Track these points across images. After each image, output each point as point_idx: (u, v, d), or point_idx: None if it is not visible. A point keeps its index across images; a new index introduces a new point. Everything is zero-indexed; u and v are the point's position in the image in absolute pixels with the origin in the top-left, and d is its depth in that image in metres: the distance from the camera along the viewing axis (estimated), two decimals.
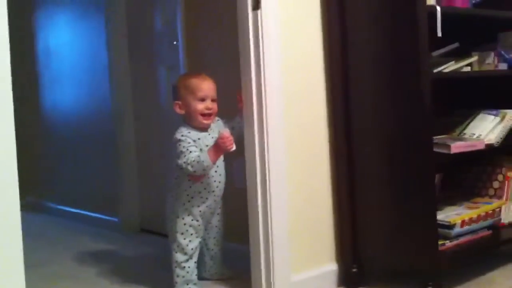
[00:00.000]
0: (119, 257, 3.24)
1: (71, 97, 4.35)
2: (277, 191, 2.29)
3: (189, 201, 2.42)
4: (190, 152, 2.29)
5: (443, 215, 2.43)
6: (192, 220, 2.43)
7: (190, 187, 2.40)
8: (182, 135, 2.34)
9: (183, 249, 2.42)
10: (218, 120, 2.51)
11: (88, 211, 4.18)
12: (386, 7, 2.30)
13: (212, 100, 2.40)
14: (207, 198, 2.43)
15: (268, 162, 2.27)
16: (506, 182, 2.68)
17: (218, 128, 2.46)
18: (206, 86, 2.39)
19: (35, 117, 4.77)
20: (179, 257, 2.42)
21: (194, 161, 2.28)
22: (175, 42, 3.31)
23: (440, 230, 2.33)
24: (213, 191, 2.45)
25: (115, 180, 3.89)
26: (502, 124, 2.58)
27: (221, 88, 2.49)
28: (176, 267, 2.43)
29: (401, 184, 2.31)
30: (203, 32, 3.09)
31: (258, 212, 2.31)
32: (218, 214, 2.57)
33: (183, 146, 2.31)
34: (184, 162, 2.29)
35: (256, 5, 2.24)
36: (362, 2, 2.39)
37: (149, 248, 3.35)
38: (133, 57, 3.80)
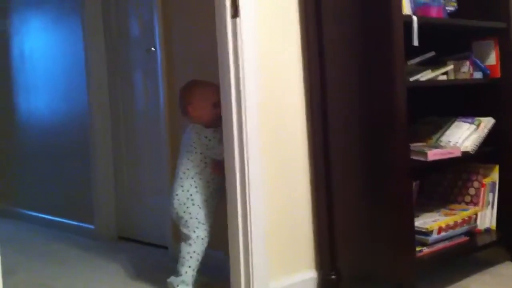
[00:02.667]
0: (95, 265, 3.21)
1: (46, 102, 4.31)
2: (256, 199, 2.30)
3: (210, 193, 2.55)
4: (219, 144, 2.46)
5: (420, 222, 2.45)
6: (209, 211, 2.54)
7: (213, 179, 2.54)
8: (212, 133, 2.50)
9: (202, 239, 2.50)
10: None
11: (64, 218, 4.13)
12: (363, 17, 2.32)
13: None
14: (219, 189, 2.52)
15: (248, 171, 2.27)
16: (482, 189, 2.71)
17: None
18: (218, 92, 2.42)
19: (9, 123, 4.72)
20: (197, 247, 2.49)
21: (220, 147, 2.43)
22: (152, 48, 3.30)
23: (417, 236, 2.36)
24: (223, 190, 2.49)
25: (91, 186, 3.85)
26: (478, 132, 2.62)
27: None
28: (191, 257, 2.49)
29: (379, 192, 2.33)
30: (181, 38, 3.08)
31: (237, 220, 2.31)
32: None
33: (218, 139, 2.46)
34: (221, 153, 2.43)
35: (235, 13, 2.25)
36: (339, 11, 2.41)
37: (126, 256, 3.33)
38: (110, 63, 3.77)
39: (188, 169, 2.54)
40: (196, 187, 2.53)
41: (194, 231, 2.50)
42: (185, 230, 2.52)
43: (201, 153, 2.53)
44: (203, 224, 2.51)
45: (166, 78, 3.17)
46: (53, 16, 4.16)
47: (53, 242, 3.79)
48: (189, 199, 2.52)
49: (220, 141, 2.43)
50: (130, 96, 3.64)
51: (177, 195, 2.54)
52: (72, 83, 3.98)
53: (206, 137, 2.50)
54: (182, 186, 2.54)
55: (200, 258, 2.50)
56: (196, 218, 2.51)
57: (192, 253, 2.48)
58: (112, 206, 3.83)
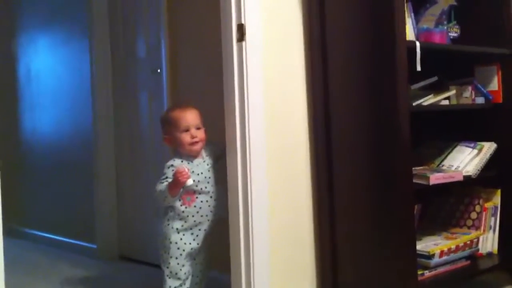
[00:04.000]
0: (96, 285, 3.21)
1: (51, 122, 4.33)
2: (259, 220, 2.32)
3: (182, 225, 2.41)
4: (161, 183, 2.35)
5: (422, 245, 2.46)
6: (185, 243, 2.40)
7: (183, 211, 2.39)
8: (169, 165, 2.39)
9: (176, 274, 2.40)
10: (209, 144, 2.51)
11: (66, 237, 4.14)
12: (367, 43, 2.35)
13: (197, 128, 2.42)
14: (200, 222, 2.42)
15: (251, 192, 2.30)
16: (484, 213, 2.72)
17: (212, 154, 2.50)
18: (187, 116, 2.42)
19: (14, 142, 4.74)
20: (171, 282, 2.40)
21: (158, 190, 2.34)
22: (158, 70, 3.34)
23: (419, 260, 2.36)
24: (207, 215, 2.43)
25: (93, 206, 3.85)
26: (480, 156, 2.63)
27: (204, 117, 2.51)
28: None
29: (381, 214, 2.34)
30: (187, 61, 3.12)
31: (240, 240, 2.33)
32: (208, 239, 2.50)
33: (162, 176, 2.37)
34: (155, 190, 2.36)
35: (241, 37, 2.28)
36: (344, 38, 2.44)
37: (127, 276, 3.33)
38: (116, 83, 3.80)
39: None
40: (168, 219, 2.42)
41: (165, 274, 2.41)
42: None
43: None
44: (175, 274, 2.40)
45: (171, 99, 3.20)
46: (61, 36, 4.20)
47: (56, 262, 3.78)
48: (164, 233, 2.42)
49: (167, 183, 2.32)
50: (135, 116, 3.67)
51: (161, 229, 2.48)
52: (77, 103, 4.01)
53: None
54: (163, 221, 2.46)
55: None
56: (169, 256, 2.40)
57: None
58: (115, 225, 3.83)
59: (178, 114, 2.44)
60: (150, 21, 3.46)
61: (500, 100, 2.77)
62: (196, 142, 2.40)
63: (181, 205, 2.39)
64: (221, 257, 2.52)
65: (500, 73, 2.78)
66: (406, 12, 2.37)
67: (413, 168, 2.35)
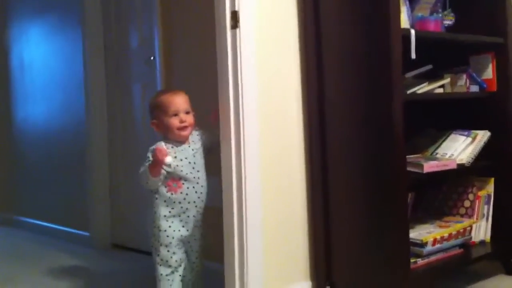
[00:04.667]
0: (90, 273, 3.21)
1: (44, 112, 4.32)
2: (252, 210, 2.31)
3: (169, 212, 2.38)
4: (144, 165, 2.35)
5: (415, 233, 2.46)
6: (174, 231, 2.38)
7: (170, 197, 2.37)
8: (152, 149, 2.35)
9: (167, 261, 2.38)
10: (198, 130, 2.49)
11: (59, 225, 4.14)
12: (361, 31, 2.35)
13: (186, 113, 2.39)
14: (187, 209, 2.39)
15: (245, 182, 2.29)
16: (477, 201, 2.73)
17: (200, 139, 2.47)
18: (176, 100, 2.40)
19: (7, 131, 4.73)
20: (163, 270, 2.38)
21: (140, 172, 2.34)
22: (152, 58, 3.32)
23: (412, 248, 2.37)
24: (194, 202, 2.40)
25: (86, 194, 3.86)
26: (473, 145, 2.64)
27: (198, 105, 2.50)
28: (160, 280, 2.39)
29: (374, 203, 2.34)
30: (180, 49, 3.11)
31: (233, 231, 2.32)
32: (200, 226, 2.48)
33: (146, 159, 2.36)
34: (138, 173, 2.36)
35: (235, 24, 2.27)
36: (338, 26, 2.43)
37: (120, 264, 3.33)
38: (108, 73, 3.79)
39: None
40: (155, 207, 2.40)
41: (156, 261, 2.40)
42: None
43: None
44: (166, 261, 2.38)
45: (165, 88, 3.18)
46: (53, 27, 4.19)
47: (49, 250, 3.79)
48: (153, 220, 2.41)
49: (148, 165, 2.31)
50: (128, 106, 3.66)
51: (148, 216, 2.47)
52: (70, 93, 4.00)
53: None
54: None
55: None
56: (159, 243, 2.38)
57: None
58: (108, 213, 3.83)
59: (167, 98, 2.41)
60: (143, 10, 3.45)
61: (495, 89, 2.77)
62: (185, 127, 2.38)
63: (167, 192, 2.37)
64: (213, 247, 2.51)
65: (494, 61, 2.78)
66: (400, 0, 2.36)
67: (407, 156, 2.35)
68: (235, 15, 2.27)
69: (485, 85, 2.76)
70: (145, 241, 3.43)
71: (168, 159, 2.29)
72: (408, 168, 2.34)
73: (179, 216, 2.39)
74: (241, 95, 2.28)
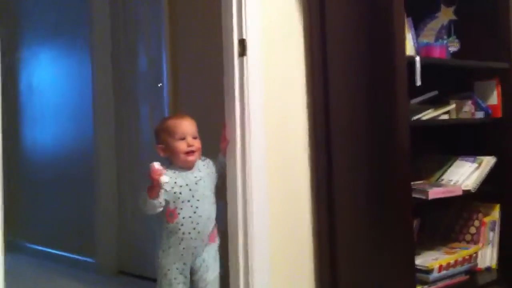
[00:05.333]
0: None
1: (52, 135, 4.35)
2: (258, 228, 2.33)
3: (167, 242, 2.31)
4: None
5: (421, 260, 2.45)
6: (169, 263, 2.31)
7: (167, 227, 2.30)
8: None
9: None
10: (205, 159, 2.42)
11: (65, 251, 4.13)
12: (367, 58, 2.37)
13: (194, 138, 2.33)
14: (182, 239, 2.29)
15: (252, 198, 2.32)
16: (482, 227, 2.72)
17: (208, 168, 2.39)
18: (184, 124, 2.34)
19: (14, 154, 4.75)
20: None
21: (140, 196, 2.28)
22: (159, 85, 3.35)
23: (418, 274, 2.36)
24: (189, 233, 2.29)
25: (93, 220, 3.85)
26: (479, 171, 2.64)
27: (205, 130, 2.52)
28: None
29: (380, 229, 2.34)
30: (188, 74, 3.13)
31: (238, 247, 2.35)
32: (207, 259, 2.37)
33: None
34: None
35: (243, 52, 2.30)
36: (344, 53, 2.46)
37: None
38: (117, 97, 3.82)
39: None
40: (156, 238, 2.36)
41: None
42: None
43: None
44: None
45: (173, 113, 3.21)
46: (62, 49, 4.23)
47: (55, 277, 3.78)
48: (156, 253, 2.36)
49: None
50: (136, 130, 3.68)
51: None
52: (79, 116, 4.03)
53: None
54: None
55: None
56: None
57: None
58: (114, 240, 3.83)
59: (175, 122, 2.36)
60: (151, 35, 3.49)
61: (500, 115, 2.78)
62: (192, 152, 2.31)
63: (166, 221, 2.30)
64: None
65: (499, 87, 2.78)
66: (406, 27, 2.38)
67: (412, 183, 2.35)
68: (242, 43, 2.31)
69: (490, 111, 2.77)
70: (152, 268, 3.45)
71: (164, 178, 2.20)
72: (413, 195, 2.35)
73: (176, 247, 2.31)
74: (247, 121, 2.32)
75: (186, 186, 2.30)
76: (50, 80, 4.37)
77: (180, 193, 2.29)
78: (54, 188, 4.30)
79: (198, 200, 2.31)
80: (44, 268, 4.07)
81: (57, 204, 4.26)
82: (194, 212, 2.30)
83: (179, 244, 2.30)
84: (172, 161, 2.36)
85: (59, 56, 4.27)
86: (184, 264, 2.33)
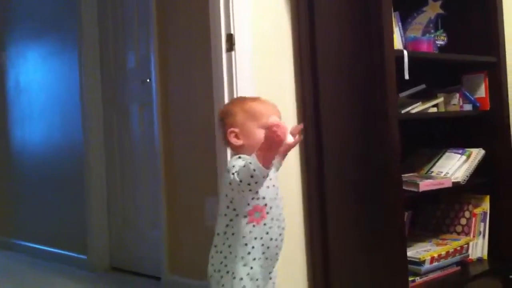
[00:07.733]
0: None
1: (41, 134, 4.33)
2: None
3: (249, 253, 1.72)
4: (234, 173, 1.64)
5: (412, 252, 2.47)
6: (251, 279, 1.72)
7: (250, 232, 1.72)
8: (236, 157, 1.70)
9: None
10: None
11: (56, 248, 4.12)
12: (355, 52, 2.38)
13: None
14: (268, 247, 1.75)
15: None
16: (473, 218, 2.75)
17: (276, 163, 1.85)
18: (273, 110, 1.79)
19: (3, 153, 4.73)
20: None
21: (241, 166, 1.62)
22: (147, 80, 3.34)
23: (410, 266, 2.38)
24: (276, 239, 1.77)
25: (84, 217, 3.84)
26: (468, 163, 2.66)
27: (193, 126, 2.52)
28: None
29: (371, 222, 2.35)
30: (176, 71, 3.13)
31: None
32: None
33: (232, 169, 1.65)
34: (233, 174, 1.62)
35: (230, 47, 2.31)
36: (333, 47, 2.47)
37: (119, 287, 3.32)
38: (105, 94, 3.81)
39: (218, 223, 1.76)
40: (229, 246, 1.73)
41: None
42: None
43: (226, 196, 1.72)
44: None
45: (161, 109, 3.20)
46: (50, 48, 4.21)
47: (47, 274, 3.77)
48: (223, 263, 1.73)
49: (248, 173, 1.58)
50: (125, 127, 3.67)
51: (212, 257, 1.77)
52: (67, 114, 4.01)
53: (228, 170, 1.67)
54: (215, 246, 1.76)
55: None
56: None
57: None
58: (106, 236, 3.81)
59: (262, 105, 1.79)
60: (139, 32, 3.48)
61: (488, 107, 2.80)
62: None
63: (247, 223, 1.71)
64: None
65: (487, 80, 2.80)
66: (393, 22, 2.39)
67: (402, 175, 2.37)
68: (230, 38, 2.31)
69: (478, 104, 2.79)
70: (144, 263, 3.46)
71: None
72: (404, 187, 2.36)
73: (259, 259, 1.74)
74: None
75: (270, 181, 1.75)
76: (38, 78, 4.34)
77: (268, 187, 1.73)
78: (44, 186, 4.28)
79: (280, 200, 1.81)
80: (36, 265, 4.05)
81: (47, 201, 4.25)
82: (280, 214, 1.80)
83: (264, 253, 1.75)
84: (240, 152, 1.75)
85: (47, 54, 4.25)
86: (263, 280, 1.76)
